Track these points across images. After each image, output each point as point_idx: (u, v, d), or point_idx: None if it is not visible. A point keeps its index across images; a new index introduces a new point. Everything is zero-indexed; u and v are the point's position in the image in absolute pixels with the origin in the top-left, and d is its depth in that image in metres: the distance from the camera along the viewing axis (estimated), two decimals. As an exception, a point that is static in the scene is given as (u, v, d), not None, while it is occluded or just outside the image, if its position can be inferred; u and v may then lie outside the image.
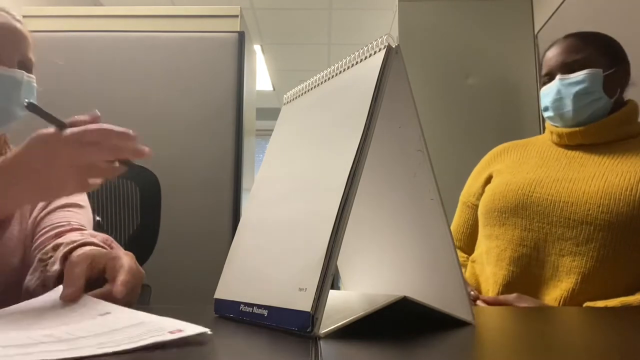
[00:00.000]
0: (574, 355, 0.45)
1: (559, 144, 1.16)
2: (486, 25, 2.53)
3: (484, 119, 2.45)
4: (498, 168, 1.22)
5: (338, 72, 0.66)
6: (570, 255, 1.00)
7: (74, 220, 0.94)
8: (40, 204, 0.96)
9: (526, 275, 1.05)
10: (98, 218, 1.23)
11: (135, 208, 1.35)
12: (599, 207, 0.99)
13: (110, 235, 1.15)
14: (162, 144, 1.98)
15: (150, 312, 0.55)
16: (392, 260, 0.69)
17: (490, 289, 1.10)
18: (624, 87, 1.12)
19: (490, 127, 2.43)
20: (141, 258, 1.30)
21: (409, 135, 0.62)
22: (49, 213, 0.95)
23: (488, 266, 1.12)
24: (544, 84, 1.16)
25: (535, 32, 2.51)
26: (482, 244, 1.17)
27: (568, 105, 1.09)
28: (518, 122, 2.45)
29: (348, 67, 0.64)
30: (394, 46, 0.58)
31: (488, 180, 1.22)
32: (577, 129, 1.11)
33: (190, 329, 0.46)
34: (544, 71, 1.17)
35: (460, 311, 0.59)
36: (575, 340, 0.53)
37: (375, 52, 0.59)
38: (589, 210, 0.99)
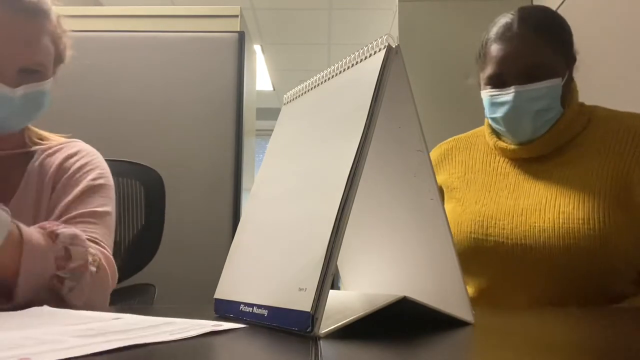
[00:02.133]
0: (574, 356, 0.45)
1: (502, 155, 1.09)
2: (486, 25, 2.52)
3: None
4: (446, 182, 1.13)
5: (338, 72, 0.66)
6: (535, 297, 0.96)
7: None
8: (56, 213, 0.90)
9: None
10: None
11: (140, 208, 1.35)
12: (559, 248, 0.92)
13: (115, 234, 1.11)
14: (162, 144, 1.99)
15: (152, 312, 0.56)
16: (392, 260, 0.69)
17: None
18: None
19: (490, 127, 2.43)
20: (145, 257, 1.30)
21: (409, 135, 0.62)
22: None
23: None
24: (491, 84, 1.02)
25: (535, 32, 2.50)
26: None
27: (526, 124, 0.99)
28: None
29: (348, 67, 0.64)
30: (394, 46, 0.58)
31: (441, 193, 1.14)
32: (523, 146, 1.03)
33: (227, 325, 0.54)
34: (491, 70, 1.01)
35: (460, 311, 0.59)
36: (575, 340, 0.53)
37: (375, 52, 0.59)
38: (550, 252, 0.93)
